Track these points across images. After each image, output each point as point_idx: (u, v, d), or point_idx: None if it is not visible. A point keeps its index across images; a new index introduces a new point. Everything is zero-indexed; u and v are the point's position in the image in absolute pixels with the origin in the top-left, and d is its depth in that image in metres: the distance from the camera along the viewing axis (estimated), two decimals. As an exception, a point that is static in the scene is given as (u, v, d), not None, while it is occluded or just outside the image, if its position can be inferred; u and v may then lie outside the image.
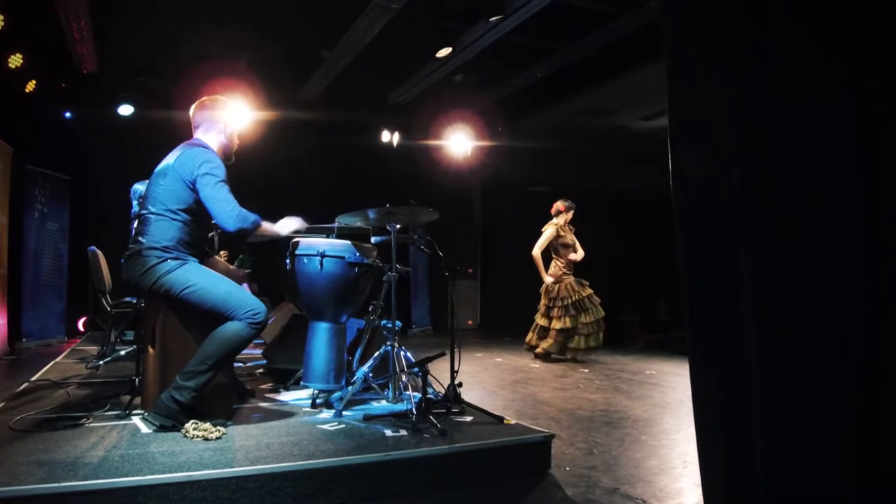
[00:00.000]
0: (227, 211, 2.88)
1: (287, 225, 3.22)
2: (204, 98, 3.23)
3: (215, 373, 2.79)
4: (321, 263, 3.39)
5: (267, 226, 3.07)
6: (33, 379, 4.19)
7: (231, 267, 3.51)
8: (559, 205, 6.86)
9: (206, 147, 3.07)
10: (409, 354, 3.52)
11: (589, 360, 6.67)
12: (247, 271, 3.52)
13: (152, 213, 2.92)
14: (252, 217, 2.94)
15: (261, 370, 4.65)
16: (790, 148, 1.57)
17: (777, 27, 1.59)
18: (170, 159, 3.02)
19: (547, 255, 6.94)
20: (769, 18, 1.59)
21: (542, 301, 6.82)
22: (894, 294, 1.46)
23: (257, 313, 2.84)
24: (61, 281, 7.40)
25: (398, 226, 3.53)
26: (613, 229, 10.09)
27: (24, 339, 6.70)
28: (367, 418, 3.08)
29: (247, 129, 6.68)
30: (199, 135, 3.17)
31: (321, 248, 3.41)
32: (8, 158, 6.38)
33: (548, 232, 6.76)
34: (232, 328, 2.80)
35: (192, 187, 2.92)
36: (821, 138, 1.56)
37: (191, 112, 3.22)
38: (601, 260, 6.81)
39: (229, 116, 3.21)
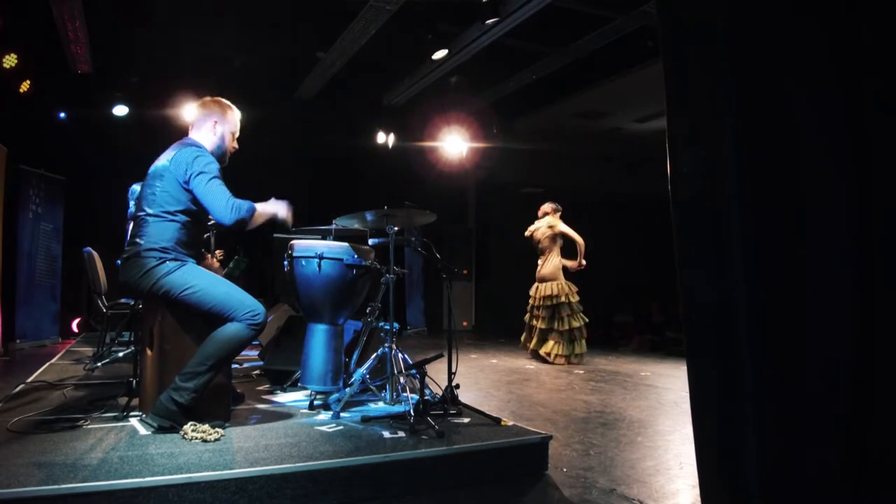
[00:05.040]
0: (222, 205, 2.85)
1: (276, 207, 3.12)
2: (205, 98, 3.24)
3: (214, 374, 2.79)
4: (319, 265, 3.41)
5: (261, 208, 3.02)
6: (29, 380, 4.18)
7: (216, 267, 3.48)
8: (553, 206, 6.91)
9: (198, 146, 3.05)
10: (406, 356, 3.53)
11: (574, 362, 6.67)
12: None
13: (149, 215, 2.91)
14: (246, 205, 2.90)
15: (257, 372, 4.65)
16: (787, 148, 1.59)
17: (772, 26, 1.62)
18: (163, 160, 3.01)
19: (533, 251, 6.95)
20: (765, 16, 1.62)
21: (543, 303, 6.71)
22: (884, 292, 1.49)
23: (256, 314, 2.84)
24: (55, 281, 7.38)
25: (395, 228, 3.55)
26: (607, 230, 10.14)
27: (17, 340, 6.68)
28: (365, 420, 3.10)
29: (241, 130, 6.67)
30: (192, 134, 3.16)
31: (319, 250, 3.42)
32: (2, 158, 6.35)
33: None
34: (231, 329, 2.81)
35: (187, 187, 2.91)
36: (818, 137, 1.59)
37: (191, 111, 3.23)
38: (594, 261, 6.83)
39: (222, 116, 3.19)
